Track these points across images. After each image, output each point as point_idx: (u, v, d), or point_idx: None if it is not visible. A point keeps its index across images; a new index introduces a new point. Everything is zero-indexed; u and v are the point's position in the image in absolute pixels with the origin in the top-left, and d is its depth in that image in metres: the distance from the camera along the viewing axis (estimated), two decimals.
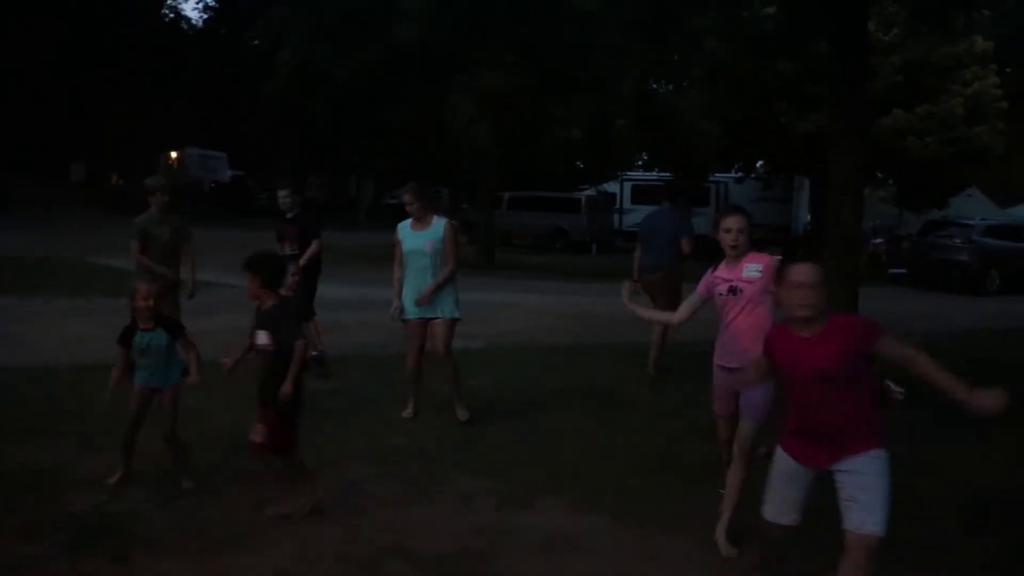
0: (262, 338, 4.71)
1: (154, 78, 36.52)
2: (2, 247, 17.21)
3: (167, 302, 6.68)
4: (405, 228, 6.89)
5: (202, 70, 37.10)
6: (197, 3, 55.67)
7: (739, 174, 29.23)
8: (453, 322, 6.87)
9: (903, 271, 22.12)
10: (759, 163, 28.41)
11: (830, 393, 3.44)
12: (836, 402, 3.44)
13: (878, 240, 26.43)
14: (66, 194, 33.47)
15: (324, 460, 5.78)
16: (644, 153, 37.99)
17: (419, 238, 6.80)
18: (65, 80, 34.52)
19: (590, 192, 32.23)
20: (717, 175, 29.14)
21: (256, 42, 24.80)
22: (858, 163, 8.67)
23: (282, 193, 8.70)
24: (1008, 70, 23.83)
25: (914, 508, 4.72)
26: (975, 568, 4.42)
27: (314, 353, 7.40)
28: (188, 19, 45.35)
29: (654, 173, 32.78)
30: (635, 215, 31.08)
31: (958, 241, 20.93)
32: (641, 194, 31.10)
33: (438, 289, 6.75)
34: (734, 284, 4.58)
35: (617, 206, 31.73)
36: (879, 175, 26.10)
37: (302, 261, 8.23)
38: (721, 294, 4.62)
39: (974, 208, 28.18)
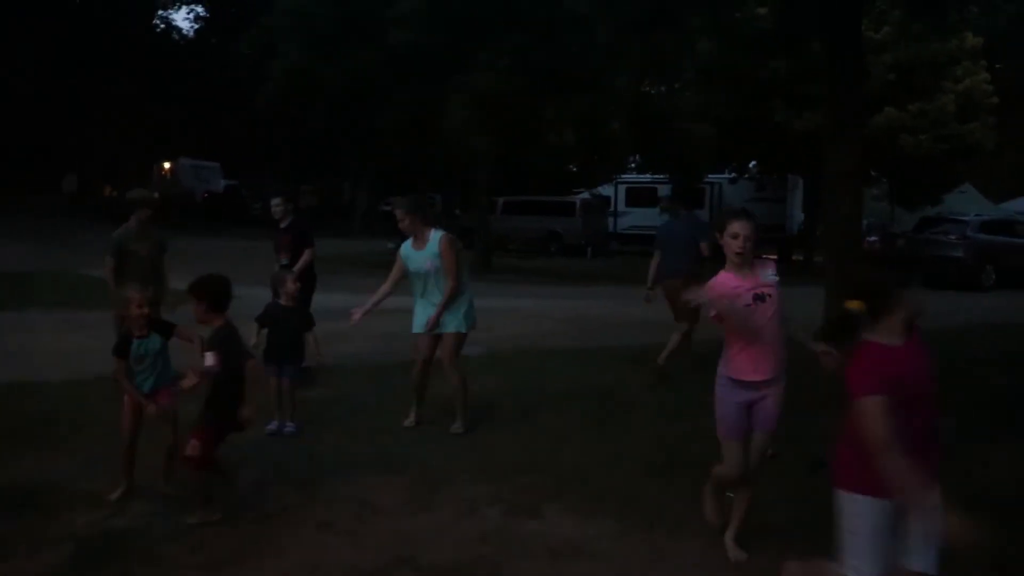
0: (209, 359, 4.73)
1: (146, 89, 36.44)
2: None
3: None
4: (407, 248, 6.82)
5: (194, 80, 37.01)
6: (188, 13, 55.63)
7: (733, 175, 29.28)
8: (460, 336, 6.82)
9: None
10: (752, 163, 28.43)
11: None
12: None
13: (873, 238, 26.45)
14: (58, 206, 33.38)
15: (325, 470, 5.75)
16: (638, 155, 37.99)
17: (419, 258, 6.74)
18: (56, 92, 34.44)
19: (584, 195, 32.19)
20: (711, 176, 29.16)
21: (248, 51, 24.74)
22: (855, 160, 8.66)
23: (274, 202, 8.73)
24: (998, 66, 23.87)
25: None
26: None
27: (308, 364, 7.36)
28: (179, 29, 45.20)
29: (648, 176, 32.75)
30: (630, 218, 31.17)
31: (953, 237, 20.96)
32: (636, 197, 31.11)
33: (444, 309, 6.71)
34: (760, 291, 4.26)
35: (612, 209, 31.72)
36: (873, 173, 26.11)
37: (295, 271, 8.19)
38: (748, 304, 4.24)
39: (968, 204, 28.25)
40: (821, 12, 9.10)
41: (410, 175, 42.47)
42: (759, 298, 4.25)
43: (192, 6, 43.31)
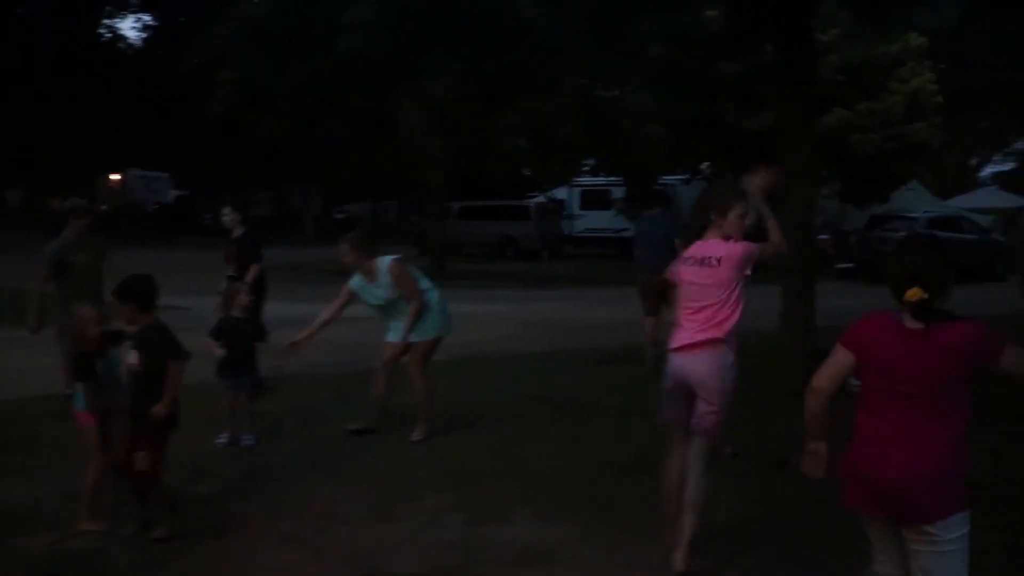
0: (133, 358, 4.67)
1: (93, 99, 35.79)
2: None
3: None
4: (359, 283, 6.71)
5: (143, 90, 36.43)
6: (135, 22, 54.74)
7: (687, 176, 29.50)
8: (430, 342, 6.79)
9: (851, 265, 22.49)
10: (704, 164, 28.65)
11: None
12: None
13: (824, 236, 26.77)
14: (3, 221, 32.66)
15: (285, 482, 5.66)
16: (591, 158, 38.18)
17: (374, 292, 6.69)
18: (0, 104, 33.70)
19: (540, 199, 32.24)
20: (665, 178, 29.35)
21: (198, 60, 24.45)
22: (807, 160, 8.73)
23: (224, 212, 8.73)
24: (942, 65, 24.42)
25: None
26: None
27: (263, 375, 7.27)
28: (126, 38, 44.28)
29: (603, 178, 32.90)
30: (585, 221, 31.28)
31: (903, 234, 21.32)
32: (591, 200, 31.22)
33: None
34: None
35: (567, 212, 31.81)
36: (824, 172, 26.52)
37: (246, 282, 8.14)
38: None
39: (916, 201, 28.77)
40: (772, 15, 9.17)
41: (365, 182, 42.32)
42: None
43: (140, 15, 42.67)
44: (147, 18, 43.11)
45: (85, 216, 7.58)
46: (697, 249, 4.40)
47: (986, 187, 43.26)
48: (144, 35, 44.15)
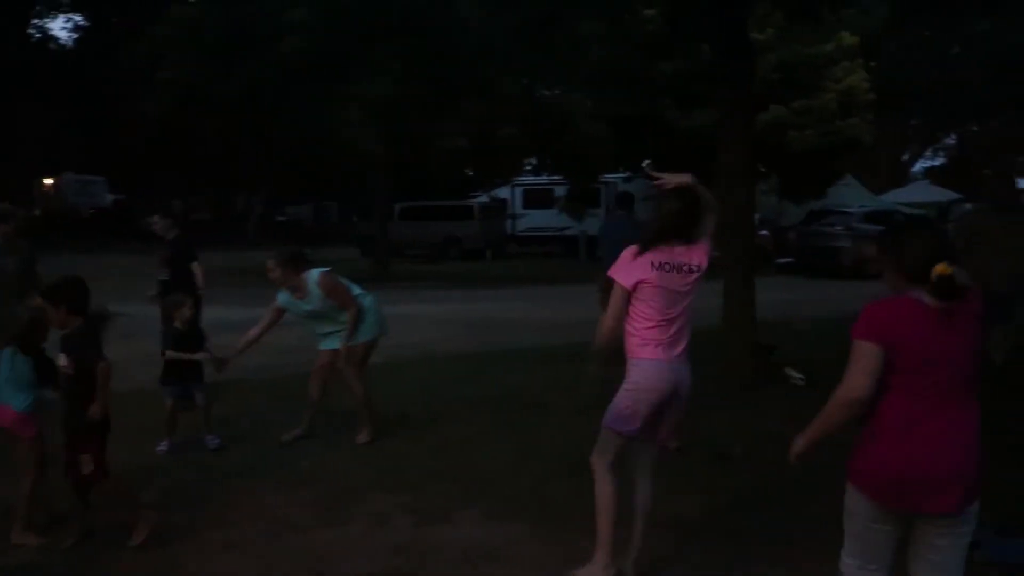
0: (62, 361, 4.60)
1: (22, 101, 34.84)
2: None
3: None
4: (287, 300, 6.62)
5: (78, 92, 35.54)
6: (66, 22, 53.40)
7: (628, 174, 29.76)
8: (366, 345, 6.75)
9: (790, 260, 22.92)
10: (645, 162, 28.90)
11: None
12: None
13: (763, 232, 27.20)
14: None
15: (231, 487, 5.60)
16: (533, 158, 38.23)
17: (302, 307, 6.63)
18: None
19: (482, 199, 32.25)
20: (607, 176, 29.57)
21: (133, 62, 23.94)
22: (746, 157, 8.86)
23: (154, 219, 8.81)
24: (872, 64, 25.02)
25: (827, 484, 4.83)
26: None
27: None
28: (57, 39, 43.13)
29: (545, 177, 33.02)
30: (527, 220, 31.39)
31: (840, 228, 21.78)
32: (533, 199, 31.34)
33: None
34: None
35: (510, 212, 31.88)
36: (762, 169, 27.01)
37: (200, 290, 8.11)
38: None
39: (852, 196, 29.44)
40: (710, 16, 9.29)
41: (307, 184, 41.89)
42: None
43: (70, 15, 41.65)
44: (78, 18, 42.14)
45: (10, 220, 7.43)
46: (671, 255, 4.16)
47: (918, 182, 44.50)
48: (75, 36, 43.13)
